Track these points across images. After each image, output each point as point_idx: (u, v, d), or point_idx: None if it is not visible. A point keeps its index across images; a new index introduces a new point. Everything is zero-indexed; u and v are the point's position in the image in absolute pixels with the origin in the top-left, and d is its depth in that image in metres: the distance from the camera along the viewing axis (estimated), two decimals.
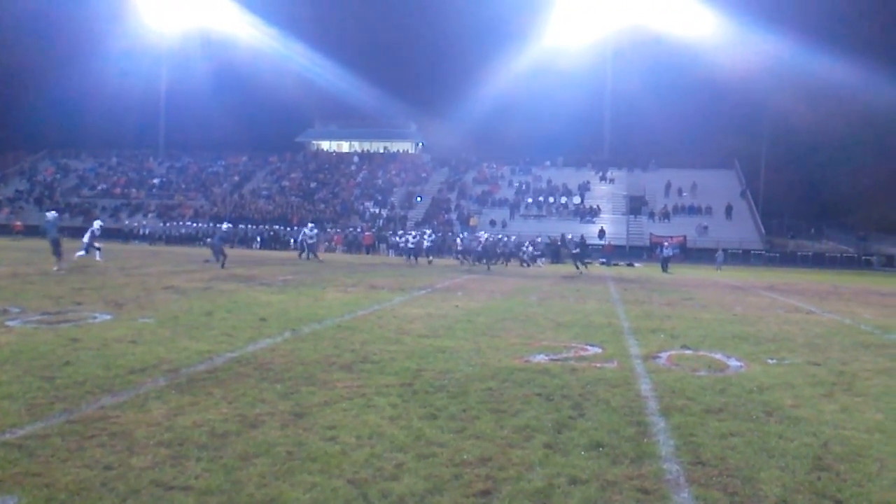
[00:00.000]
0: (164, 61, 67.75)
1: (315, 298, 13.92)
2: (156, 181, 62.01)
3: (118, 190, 60.20)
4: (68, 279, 16.05)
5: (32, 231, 43.89)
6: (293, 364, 7.25)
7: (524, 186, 55.82)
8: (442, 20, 74.27)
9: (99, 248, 22.74)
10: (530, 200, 53.46)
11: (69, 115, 70.83)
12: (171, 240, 47.44)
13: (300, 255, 32.05)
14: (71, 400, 5.56)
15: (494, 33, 73.69)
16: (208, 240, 27.85)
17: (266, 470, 4.23)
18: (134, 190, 60.21)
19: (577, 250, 28.92)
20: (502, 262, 31.14)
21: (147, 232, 49.04)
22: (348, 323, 10.50)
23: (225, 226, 26.66)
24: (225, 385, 6.23)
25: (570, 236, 34.83)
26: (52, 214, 21.44)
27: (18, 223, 50.63)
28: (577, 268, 27.70)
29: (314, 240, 32.53)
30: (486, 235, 31.42)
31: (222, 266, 22.24)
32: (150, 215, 54.09)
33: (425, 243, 31.93)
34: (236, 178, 62.38)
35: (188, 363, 7.11)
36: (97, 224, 23.99)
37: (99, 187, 61.32)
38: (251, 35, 66.49)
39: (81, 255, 21.78)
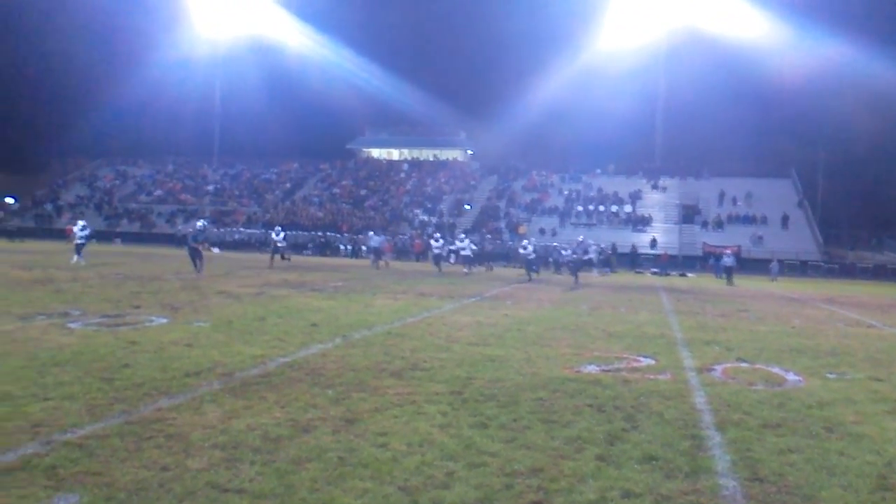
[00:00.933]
0: (218, 70, 69.24)
1: (365, 305, 14.03)
2: (210, 188, 63.29)
3: (184, 196, 61.61)
4: (126, 283, 16.47)
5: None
6: (344, 370, 7.30)
7: (574, 194, 55.43)
8: (492, 26, 74.49)
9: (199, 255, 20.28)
10: (580, 209, 53.05)
11: (128, 123, 72.93)
12: (224, 245, 48.34)
13: (373, 263, 31.72)
14: (129, 401, 5.70)
15: (544, 39, 73.37)
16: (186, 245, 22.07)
17: (318, 475, 4.26)
18: (189, 196, 61.55)
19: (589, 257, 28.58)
20: (561, 272, 30.30)
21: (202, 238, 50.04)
22: (398, 330, 10.54)
23: (200, 223, 22.35)
24: (278, 389, 6.31)
25: (594, 244, 33.71)
26: (200, 223, 21.45)
27: (71, 227, 52.10)
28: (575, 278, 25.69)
29: (380, 245, 32.28)
30: (531, 243, 30.02)
31: (198, 270, 19.37)
32: (204, 220, 55.18)
33: (463, 251, 30.57)
34: (288, 185, 63.30)
35: (242, 367, 7.22)
36: (200, 223, 22.66)
37: (156, 193, 62.83)
38: (303, 43, 67.54)
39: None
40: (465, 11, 75.18)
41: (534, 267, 27.05)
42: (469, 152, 71.40)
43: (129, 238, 49.68)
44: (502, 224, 50.83)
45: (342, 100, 71.45)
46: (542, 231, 48.45)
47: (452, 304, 15.19)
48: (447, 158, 67.80)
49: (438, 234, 33.11)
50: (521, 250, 27.28)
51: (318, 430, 5.14)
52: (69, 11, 69.75)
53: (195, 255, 19.53)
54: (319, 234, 49.45)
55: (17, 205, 63.40)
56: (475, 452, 4.79)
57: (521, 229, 48.73)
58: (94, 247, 36.91)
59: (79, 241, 22.98)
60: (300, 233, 49.61)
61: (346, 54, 68.80)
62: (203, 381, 6.55)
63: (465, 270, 29.13)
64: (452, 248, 32.85)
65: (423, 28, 79.72)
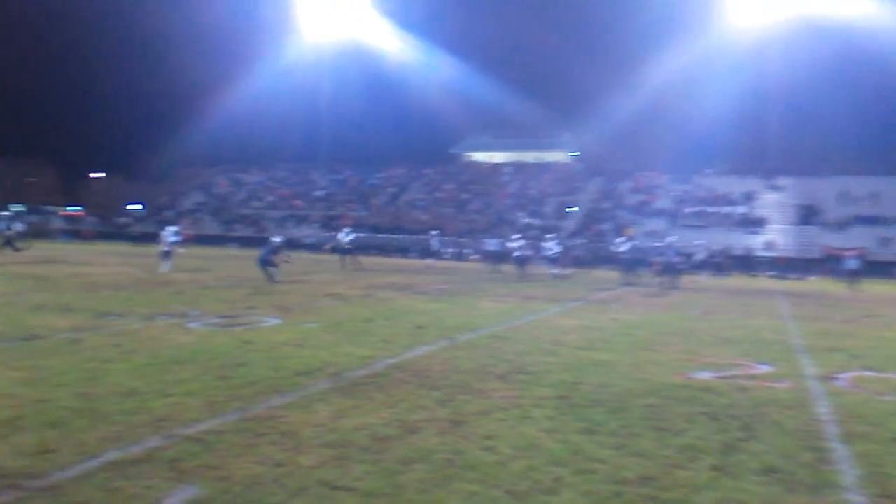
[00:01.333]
0: (325, 78, 71.19)
1: (470, 308, 14.06)
2: (319, 193, 65.18)
3: (295, 202, 63.78)
4: (241, 285, 17.15)
5: (203, 240, 47.58)
6: (450, 372, 7.32)
7: (684, 195, 53.76)
8: (594, 24, 73.33)
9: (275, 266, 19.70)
10: (691, 210, 51.38)
11: (241, 133, 76.14)
12: (333, 249, 49.63)
13: (519, 271, 28.89)
14: (244, 399, 5.90)
15: (648, 34, 71.48)
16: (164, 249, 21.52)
17: (425, 476, 4.27)
18: (299, 201, 63.58)
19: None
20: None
21: (311, 241, 51.62)
22: (503, 333, 10.50)
23: (277, 239, 20.32)
24: (385, 390, 6.39)
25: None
26: (277, 239, 20.05)
27: (187, 231, 54.82)
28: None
29: (523, 253, 29.18)
30: (625, 243, 27.46)
31: (272, 280, 18.44)
32: (313, 225, 56.85)
33: (549, 252, 28.27)
34: (393, 189, 64.40)
35: (350, 367, 7.36)
36: (277, 239, 21.15)
37: (267, 199, 65.25)
38: (405, 50, 68.55)
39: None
40: (566, 10, 74.37)
41: (631, 269, 25.59)
42: (573, 154, 70.53)
43: (243, 242, 51.78)
44: (608, 226, 49.89)
45: (445, 105, 72.07)
46: (650, 234, 47.24)
47: (558, 307, 15.01)
48: (550, 160, 67.20)
49: (517, 236, 31.11)
50: (617, 251, 25.91)
51: (425, 432, 5.17)
52: (184, 31, 73.63)
53: (267, 267, 18.70)
54: (424, 237, 50.01)
55: (143, 211, 67.32)
56: (583, 458, 4.69)
57: (628, 232, 47.69)
58: (209, 251, 38.69)
59: (166, 249, 21.16)
60: (404, 236, 50.33)
61: (448, 60, 69.46)
62: (313, 380, 6.72)
63: (554, 272, 27.58)
64: (515, 249, 29.15)
65: (523, 29, 79.50)
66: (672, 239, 26.84)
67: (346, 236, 26.57)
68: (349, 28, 66.61)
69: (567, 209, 54.05)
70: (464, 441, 4.98)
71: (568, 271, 29.96)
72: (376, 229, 51.18)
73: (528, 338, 10.06)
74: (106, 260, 27.12)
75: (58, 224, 62.44)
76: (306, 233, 54.43)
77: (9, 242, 23.04)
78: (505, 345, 9.29)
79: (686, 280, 25.69)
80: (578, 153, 70.57)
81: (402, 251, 47.50)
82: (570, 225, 50.99)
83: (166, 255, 20.92)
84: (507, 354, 8.53)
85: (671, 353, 9.15)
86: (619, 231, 47.47)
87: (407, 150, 72.15)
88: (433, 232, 37.67)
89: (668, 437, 5.23)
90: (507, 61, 75.16)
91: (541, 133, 71.50)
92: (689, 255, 31.68)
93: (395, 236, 50.26)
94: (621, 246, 25.99)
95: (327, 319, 11.19)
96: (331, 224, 56.35)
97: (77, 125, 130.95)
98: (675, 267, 24.07)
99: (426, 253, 36.47)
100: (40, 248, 34.50)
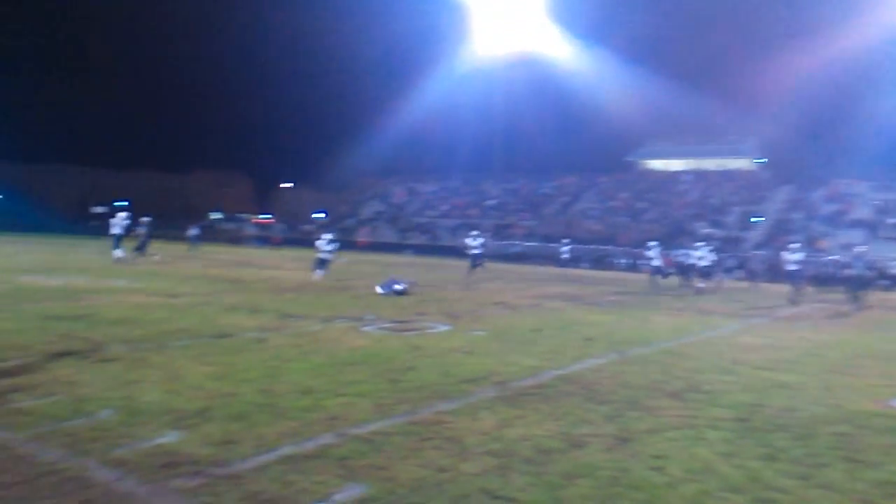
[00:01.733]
0: (497, 88, 71.94)
1: (642, 321, 13.59)
2: (491, 202, 65.92)
3: (468, 211, 65.09)
4: (412, 293, 17.64)
5: (380, 248, 49.52)
6: (618, 387, 7.09)
7: (886, 205, 49.06)
8: (777, 17, 68.75)
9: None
10: (894, 221, 46.77)
11: (417, 144, 78.84)
12: (504, 258, 49.99)
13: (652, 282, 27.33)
14: (412, 402, 6.03)
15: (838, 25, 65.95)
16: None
17: (588, 492, 4.15)
18: (471, 210, 64.62)
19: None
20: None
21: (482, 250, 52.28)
22: (677, 348, 10.04)
23: (327, 237, 21.62)
24: (551, 402, 6.30)
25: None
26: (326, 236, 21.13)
27: (363, 239, 57.27)
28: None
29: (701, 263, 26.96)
30: (794, 252, 22.57)
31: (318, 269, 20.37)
32: (485, 234, 57.55)
33: (700, 262, 25.14)
34: (565, 198, 63.85)
35: (516, 377, 7.33)
36: (474, 241, 22.86)
37: (441, 208, 66.88)
38: (579, 57, 67.72)
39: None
40: (747, 5, 70.32)
41: (799, 282, 21.53)
42: (758, 160, 66.53)
43: (418, 250, 53.43)
44: (798, 238, 46.53)
45: (620, 112, 70.56)
46: (845, 246, 43.50)
47: (738, 323, 14.16)
48: (733, 167, 63.75)
49: (653, 243, 27.37)
50: (787, 264, 21.70)
51: (591, 447, 5.03)
52: (363, 49, 77.21)
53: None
54: (596, 247, 49.17)
55: (326, 219, 71.27)
56: (762, 487, 4.35)
57: (821, 244, 44.21)
58: (386, 258, 40.20)
59: (322, 256, 20.95)
60: (577, 246, 49.73)
61: (624, 65, 67.81)
62: (479, 388, 6.75)
63: (700, 286, 24.50)
64: (649, 259, 26.67)
65: (702, 29, 76.00)
66: (862, 249, 22.86)
67: (473, 241, 24.28)
68: (522, 38, 66.92)
69: (751, 219, 50.98)
70: (631, 459, 4.79)
71: (712, 285, 27.34)
72: (547, 239, 50.91)
73: (705, 354, 9.55)
74: (291, 265, 28.91)
75: (250, 231, 67.56)
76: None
77: (142, 247, 24.70)
78: (679, 361, 8.88)
79: (882, 298, 23.34)
80: (765, 160, 66.45)
81: (574, 261, 46.93)
82: (754, 236, 48.08)
83: (321, 262, 20.77)
84: (680, 371, 8.14)
85: (867, 377, 8.33)
86: (808, 242, 44.14)
87: (580, 158, 71.39)
88: (565, 240, 36.40)
89: (860, 470, 4.75)
90: (686, 64, 72.32)
91: (723, 139, 68.13)
92: (881, 269, 28.08)
93: (566, 247, 49.74)
94: (790, 256, 22.02)
95: (495, 328, 11.24)
96: (502, 233, 56.85)
97: (269, 140, 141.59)
98: (864, 281, 21.31)
99: (557, 262, 35.40)
100: (235, 254, 37.49)
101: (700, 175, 62.66)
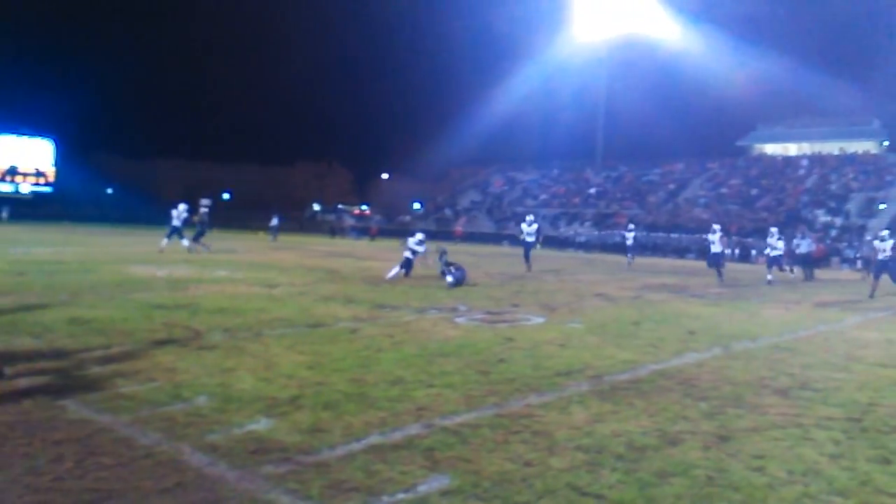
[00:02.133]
0: (599, 73, 70.45)
1: (750, 314, 12.99)
2: (592, 191, 64.76)
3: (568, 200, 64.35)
4: (509, 283, 17.53)
5: (477, 238, 49.65)
6: (720, 383, 6.77)
7: None
8: None
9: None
10: None
11: (517, 132, 78.40)
12: (606, 248, 49.05)
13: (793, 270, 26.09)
14: (501, 395, 5.94)
15: None
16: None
17: (683, 491, 3.95)
18: (572, 199, 63.73)
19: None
20: None
21: (583, 240, 51.46)
22: (787, 343, 9.52)
23: (419, 237, 18.59)
24: (646, 397, 6.07)
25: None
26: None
27: (459, 228, 57.40)
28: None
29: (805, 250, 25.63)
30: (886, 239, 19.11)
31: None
32: (586, 224, 56.64)
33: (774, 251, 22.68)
34: (672, 186, 61.99)
35: (612, 371, 7.12)
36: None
37: (541, 197, 66.24)
38: (685, 39, 65.30)
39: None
40: None
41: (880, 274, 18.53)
42: (885, 143, 62.45)
43: (515, 241, 53.08)
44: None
45: (731, 95, 67.83)
46: None
47: (857, 316, 13.32)
48: (856, 151, 60.10)
49: (717, 227, 24.25)
50: (880, 253, 18.64)
51: (687, 444, 4.80)
52: (461, 36, 77.27)
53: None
54: (704, 237, 47.53)
55: (423, 210, 71.99)
56: (872, 491, 4.04)
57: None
58: (482, 248, 40.19)
59: (408, 255, 18.02)
60: (683, 235, 48.21)
61: (733, 46, 64.95)
62: (572, 381, 6.59)
63: (770, 277, 22.19)
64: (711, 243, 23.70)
65: (819, 3, 71.69)
66: None
67: (528, 225, 22.28)
68: (625, 19, 65.17)
69: (878, 206, 47.86)
70: (730, 458, 4.53)
71: (790, 276, 25.37)
72: (652, 228, 49.61)
73: (817, 350, 9.01)
74: (388, 255, 29.25)
75: (349, 222, 69.03)
76: (578, 231, 54.46)
77: (199, 236, 24.53)
78: (788, 357, 8.41)
79: None
80: (890, 142, 62.33)
81: (679, 252, 45.55)
82: (878, 224, 45.26)
83: (407, 263, 17.96)
84: (789, 367, 7.69)
85: None
86: None
87: (688, 144, 69.09)
88: (631, 226, 34.58)
89: None
90: (802, 40, 68.47)
91: (844, 121, 64.40)
92: None
93: (672, 235, 48.35)
94: (881, 245, 19.52)
95: (592, 320, 10.99)
96: (604, 222, 55.82)
97: (369, 131, 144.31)
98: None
99: (623, 249, 33.67)
100: (333, 245, 38.38)
101: (818, 159, 59.42)
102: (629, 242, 30.47)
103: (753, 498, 3.89)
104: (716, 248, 22.74)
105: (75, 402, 5.20)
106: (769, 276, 22.16)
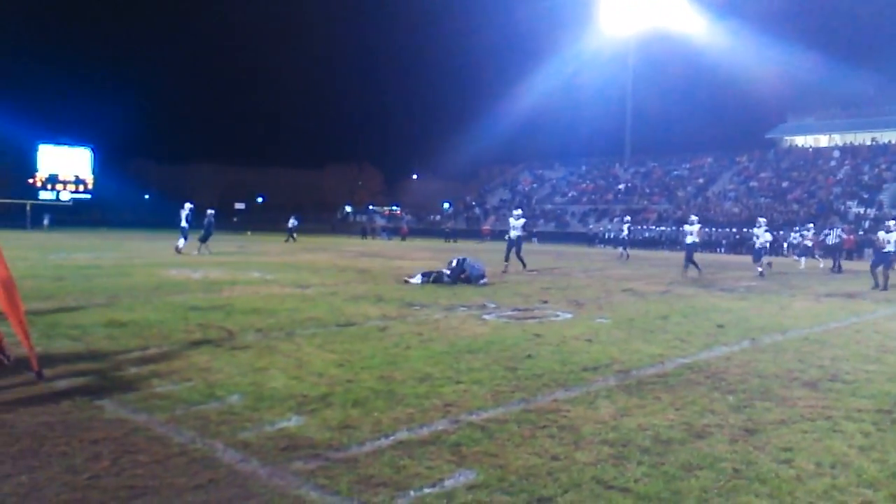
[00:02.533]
0: (627, 69, 69.97)
1: (781, 307, 12.87)
2: (621, 186, 64.37)
3: (596, 196, 64.01)
4: (538, 279, 17.54)
5: (503, 235, 49.44)
6: (749, 376, 6.75)
7: None
8: None
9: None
10: None
11: (545, 130, 78.18)
12: (635, 244, 48.75)
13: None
14: (529, 390, 5.99)
15: None
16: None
17: (709, 484, 3.96)
18: (601, 196, 63.38)
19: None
20: None
21: (612, 236, 51.18)
22: (817, 336, 9.44)
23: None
24: (674, 391, 6.08)
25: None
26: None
27: (487, 227, 57.35)
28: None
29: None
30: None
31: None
32: (615, 220, 56.30)
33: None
34: (701, 180, 61.41)
35: (639, 365, 7.13)
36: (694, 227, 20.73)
37: (569, 194, 65.99)
38: (712, 31, 64.55)
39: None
40: None
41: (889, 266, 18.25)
42: None
43: (545, 237, 52.99)
44: None
45: (759, 87, 66.99)
46: None
47: (889, 308, 13.13)
48: (888, 141, 59.04)
49: (763, 220, 23.02)
50: (886, 245, 18.01)
51: (714, 438, 4.81)
52: (488, 36, 76.90)
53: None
54: (733, 230, 47.00)
55: (451, 209, 72.06)
56: None
57: None
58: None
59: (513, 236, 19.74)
60: (713, 229, 47.73)
61: (760, 39, 64.05)
62: (599, 376, 6.61)
63: (759, 269, 21.59)
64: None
65: None
66: None
67: (517, 219, 20.88)
68: (651, 14, 64.66)
69: None
70: (757, 451, 4.54)
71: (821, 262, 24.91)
72: (681, 222, 49.18)
73: (848, 342, 8.92)
74: (417, 254, 29.45)
75: (379, 222, 69.41)
76: (607, 227, 54.13)
77: (205, 238, 25.16)
78: (818, 349, 8.34)
79: None
80: None
81: (712, 245, 45.07)
82: None
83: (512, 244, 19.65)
84: (819, 360, 7.64)
85: None
86: None
87: (717, 138, 68.63)
88: (627, 218, 33.95)
89: None
90: (832, 31, 67.47)
91: (876, 111, 63.20)
92: None
93: (704, 229, 47.82)
94: (886, 235, 18.61)
95: (620, 315, 10.98)
96: (633, 218, 55.38)
97: (398, 132, 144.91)
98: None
99: (618, 242, 33.41)
100: (364, 245, 38.58)
101: (849, 150, 58.48)
102: (624, 235, 30.23)
103: (781, 490, 3.89)
104: (761, 241, 22.18)
105: (112, 402, 5.35)
106: (759, 269, 21.39)
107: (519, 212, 21.76)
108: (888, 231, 17.91)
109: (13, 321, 5.84)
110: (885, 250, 17.68)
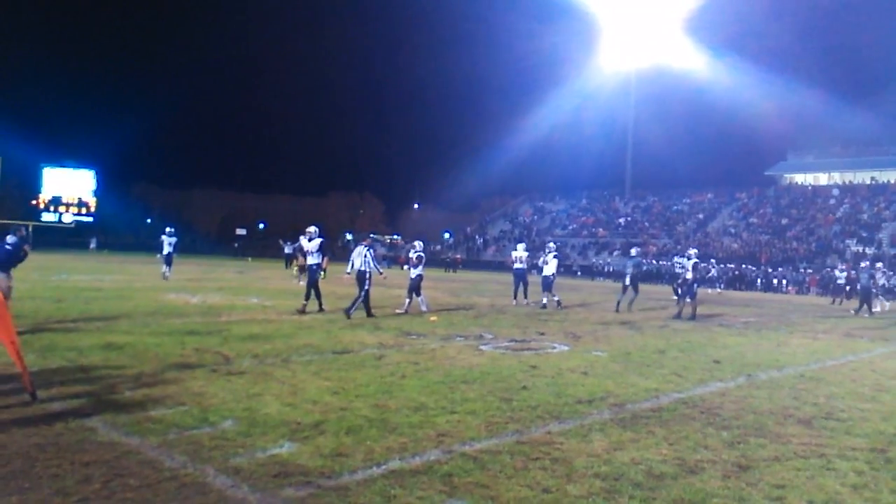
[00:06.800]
0: (628, 104, 70.51)
1: (777, 343, 12.87)
2: (621, 220, 64.55)
3: (597, 230, 64.12)
4: (536, 312, 17.53)
5: (503, 266, 49.59)
6: (743, 412, 6.74)
7: None
8: None
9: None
10: None
11: (546, 162, 78.66)
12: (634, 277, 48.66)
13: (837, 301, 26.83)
14: (523, 422, 5.98)
15: None
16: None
17: None
18: (601, 229, 63.52)
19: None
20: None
21: (612, 269, 51.18)
22: (813, 373, 9.43)
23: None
24: (668, 425, 6.07)
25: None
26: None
27: (459, 256, 57.85)
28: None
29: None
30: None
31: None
32: (615, 253, 56.36)
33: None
34: (701, 215, 61.60)
35: (634, 399, 7.12)
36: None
37: (570, 227, 66.14)
38: (715, 68, 65.13)
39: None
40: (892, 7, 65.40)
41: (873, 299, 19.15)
42: None
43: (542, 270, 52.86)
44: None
45: (760, 124, 67.59)
46: None
47: (887, 347, 13.13)
48: (888, 181, 59.31)
49: (692, 252, 19.51)
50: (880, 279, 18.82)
51: (706, 473, 4.80)
52: (490, 71, 77.75)
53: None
54: (733, 266, 47.01)
55: (452, 239, 72.20)
56: None
57: None
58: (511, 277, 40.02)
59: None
60: (712, 263, 47.74)
61: (761, 77, 64.71)
62: (594, 409, 6.60)
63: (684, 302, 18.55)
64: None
65: (848, 35, 71.40)
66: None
67: (554, 257, 19.79)
68: (652, 50, 65.30)
69: None
70: (749, 488, 4.53)
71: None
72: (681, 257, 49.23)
73: (844, 380, 8.91)
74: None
75: (381, 251, 69.43)
76: (607, 260, 54.19)
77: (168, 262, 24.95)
78: (814, 386, 8.33)
79: None
80: None
81: (709, 282, 45.02)
82: None
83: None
84: (814, 397, 7.63)
85: None
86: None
87: (717, 174, 69.23)
88: (634, 251, 33.37)
89: None
90: (831, 70, 68.14)
91: (875, 150, 63.61)
92: None
93: (702, 264, 47.86)
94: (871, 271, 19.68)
95: (617, 348, 10.97)
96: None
97: (400, 162, 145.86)
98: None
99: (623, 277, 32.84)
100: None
101: (849, 189, 58.75)
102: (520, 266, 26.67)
103: None
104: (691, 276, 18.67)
105: (105, 424, 5.34)
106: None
107: (553, 245, 20.72)
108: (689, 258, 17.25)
109: (6, 342, 5.86)
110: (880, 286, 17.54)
